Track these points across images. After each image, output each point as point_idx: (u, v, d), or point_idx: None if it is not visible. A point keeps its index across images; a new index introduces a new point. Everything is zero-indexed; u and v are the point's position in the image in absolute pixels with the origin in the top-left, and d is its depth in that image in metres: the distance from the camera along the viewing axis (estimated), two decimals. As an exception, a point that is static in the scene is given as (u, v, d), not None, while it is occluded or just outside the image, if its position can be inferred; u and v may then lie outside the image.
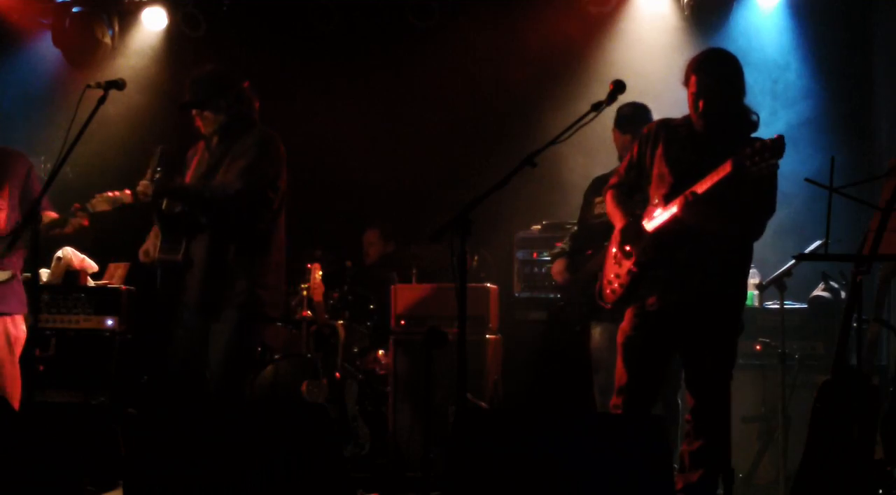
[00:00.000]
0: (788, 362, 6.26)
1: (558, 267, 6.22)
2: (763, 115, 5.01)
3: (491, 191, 4.48)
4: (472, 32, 8.26)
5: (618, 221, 5.11)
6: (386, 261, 8.14)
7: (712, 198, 4.69)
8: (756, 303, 6.69)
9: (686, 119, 5.02)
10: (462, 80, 8.36)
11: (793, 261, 6.28)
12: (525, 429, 3.93)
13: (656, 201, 4.93)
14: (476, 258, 7.53)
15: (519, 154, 4.57)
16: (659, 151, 5.01)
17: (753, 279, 6.71)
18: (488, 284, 7.16)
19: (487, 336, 6.96)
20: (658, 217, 4.88)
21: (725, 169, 4.58)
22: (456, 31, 8.30)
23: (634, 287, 4.99)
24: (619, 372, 5.02)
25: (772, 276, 6.42)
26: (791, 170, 5.42)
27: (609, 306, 5.19)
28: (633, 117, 5.99)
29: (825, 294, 6.60)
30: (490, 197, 4.48)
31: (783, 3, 7.91)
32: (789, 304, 6.45)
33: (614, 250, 5.12)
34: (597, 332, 6.04)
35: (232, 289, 5.31)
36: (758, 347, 6.50)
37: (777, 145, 4.48)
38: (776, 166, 4.59)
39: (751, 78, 4.97)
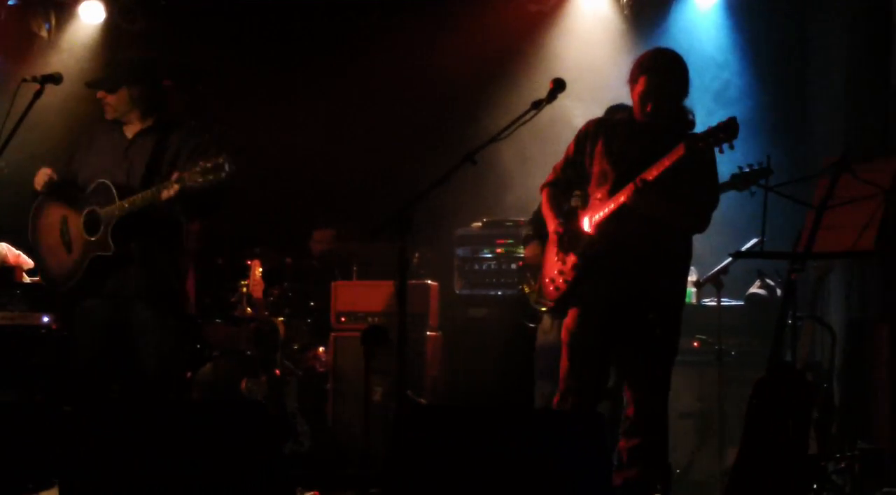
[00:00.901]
0: (725, 359, 6.33)
1: (533, 250, 6.13)
2: (700, 114, 5.07)
3: (431, 189, 4.49)
4: (413, 30, 8.25)
5: (551, 222, 5.13)
6: (326, 258, 8.11)
7: (661, 186, 4.72)
8: (693, 301, 6.75)
9: (624, 116, 5.05)
10: (403, 76, 8.35)
11: (729, 259, 6.35)
12: (465, 426, 3.93)
13: (599, 196, 4.96)
14: (417, 255, 7.53)
15: (459, 151, 4.58)
16: (599, 149, 5.03)
17: (691, 277, 6.74)
18: (429, 281, 7.16)
19: (428, 333, 6.97)
20: (603, 209, 4.91)
21: (678, 152, 4.63)
22: (397, 28, 8.30)
23: (579, 281, 5.01)
24: (564, 370, 5.03)
25: (709, 274, 6.48)
26: (727, 168, 5.48)
27: (552, 304, 5.20)
28: None
29: (761, 291, 6.67)
30: (430, 193, 4.48)
31: (721, 2, 8.00)
32: (726, 302, 6.52)
33: (555, 249, 5.14)
34: (547, 324, 6.07)
35: (168, 285, 5.27)
36: (695, 344, 6.56)
37: (730, 126, 4.54)
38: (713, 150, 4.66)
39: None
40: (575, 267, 5.01)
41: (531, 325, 6.30)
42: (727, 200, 5.66)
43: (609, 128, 5.08)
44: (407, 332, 4.47)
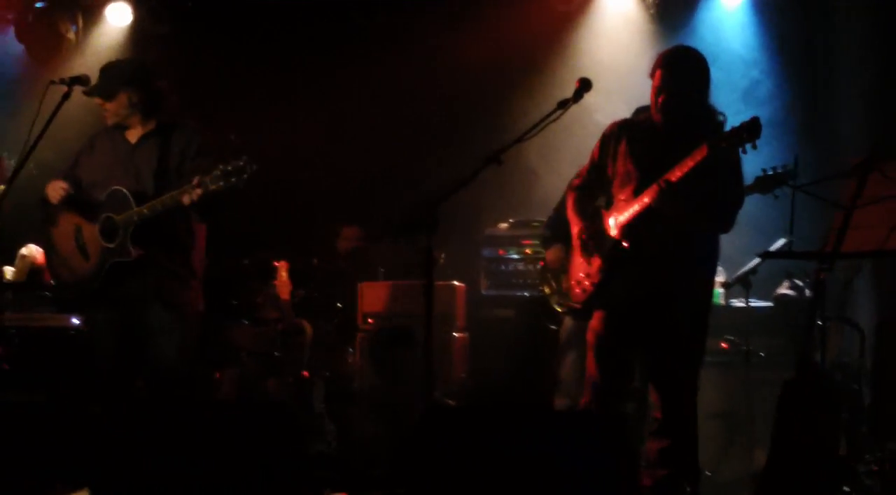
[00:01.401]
0: (754, 359, 6.28)
1: (556, 253, 6.10)
2: (728, 114, 5.03)
3: (456, 189, 4.47)
4: (438, 28, 8.25)
5: (575, 226, 5.12)
6: (353, 259, 8.12)
7: (685, 187, 4.70)
8: (722, 301, 6.71)
9: (648, 117, 5.03)
10: (429, 76, 8.35)
11: (758, 260, 6.31)
12: (491, 427, 3.93)
13: (623, 197, 4.94)
14: (443, 256, 7.53)
15: (484, 149, 4.56)
16: (622, 150, 5.01)
17: (719, 277, 6.71)
18: (455, 282, 7.15)
19: (454, 333, 6.96)
20: (628, 210, 4.89)
21: (702, 152, 4.60)
22: (422, 27, 8.30)
23: (606, 283, 4.99)
24: (590, 370, 5.02)
25: (737, 274, 6.44)
26: (755, 168, 5.45)
27: (579, 306, 5.18)
28: None
29: (790, 292, 6.63)
30: (456, 194, 4.47)
31: (747, 1, 7.95)
32: (754, 302, 6.48)
33: (581, 251, 5.11)
34: (568, 325, 6.06)
35: (184, 285, 5.30)
36: (723, 345, 6.52)
37: (753, 126, 4.51)
38: (739, 148, 4.63)
39: (715, 76, 4.98)
40: (600, 269, 4.99)
41: (552, 327, 6.28)
42: (754, 200, 5.63)
43: (631, 129, 5.07)
44: (433, 333, 4.46)
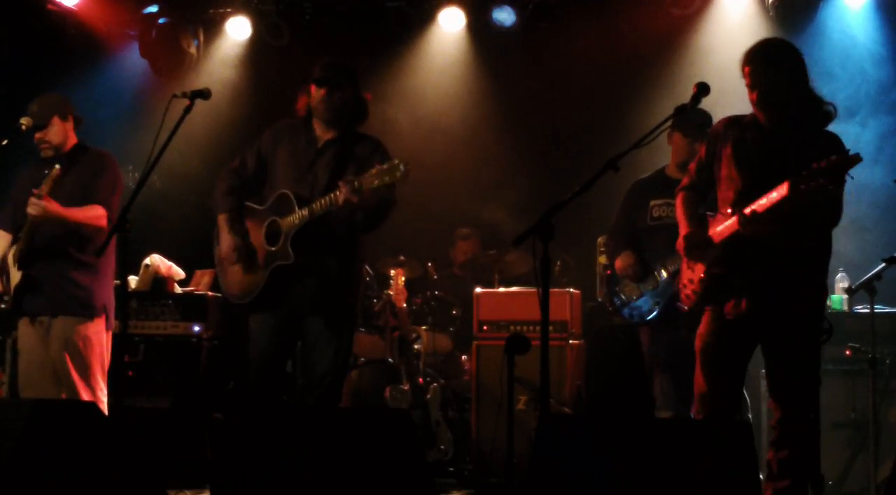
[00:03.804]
0: (879, 367, 6.13)
1: (626, 260, 6.03)
2: (856, 119, 4.89)
3: (574, 196, 4.43)
4: (555, 35, 8.24)
5: (683, 228, 5.01)
6: (468, 266, 8.14)
7: (773, 215, 4.57)
8: (845, 308, 6.57)
9: (753, 116, 4.88)
10: (547, 82, 8.34)
11: (883, 265, 6.17)
12: (608, 435, 3.89)
13: (728, 210, 4.79)
14: (559, 263, 7.50)
15: (601, 156, 4.53)
16: (728, 151, 4.85)
17: (842, 283, 6.59)
18: (571, 289, 7.11)
19: (571, 341, 6.92)
20: (724, 227, 4.76)
21: (781, 192, 4.44)
22: (539, 33, 8.30)
23: (707, 293, 4.88)
24: (699, 381, 4.90)
25: (861, 280, 6.29)
26: (882, 173, 5.32)
27: (687, 309, 5.09)
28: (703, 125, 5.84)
29: (917, 297, 6.47)
30: (573, 201, 4.44)
31: (872, 2, 7.76)
32: (879, 308, 6.33)
33: (685, 256, 5.01)
34: (645, 336, 6.00)
35: (342, 298, 5.33)
36: (847, 352, 6.38)
37: (835, 168, 4.31)
38: (838, 191, 4.43)
39: (842, 78, 4.86)
40: (701, 281, 4.88)
41: (620, 337, 6.21)
42: (880, 203, 5.50)
43: (738, 129, 4.87)
44: (549, 340, 4.43)
